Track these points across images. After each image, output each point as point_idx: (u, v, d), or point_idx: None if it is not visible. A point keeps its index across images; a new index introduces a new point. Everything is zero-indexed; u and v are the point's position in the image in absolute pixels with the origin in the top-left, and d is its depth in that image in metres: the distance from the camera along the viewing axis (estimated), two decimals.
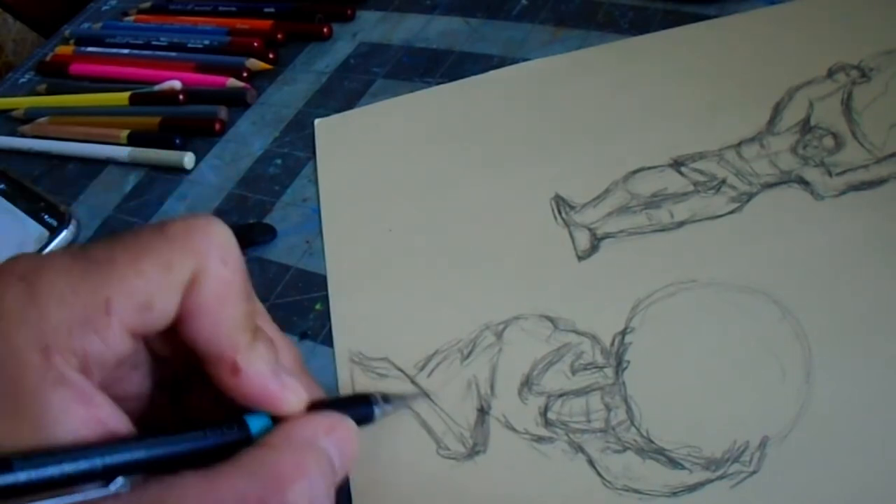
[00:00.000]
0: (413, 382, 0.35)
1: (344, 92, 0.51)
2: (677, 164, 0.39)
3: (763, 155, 0.38)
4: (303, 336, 0.38)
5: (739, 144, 0.39)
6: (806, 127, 0.39)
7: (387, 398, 0.30)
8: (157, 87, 0.54)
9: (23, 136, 0.55)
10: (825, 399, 0.30)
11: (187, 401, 0.28)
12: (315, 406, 0.26)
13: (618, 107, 0.43)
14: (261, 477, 0.23)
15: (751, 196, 0.37)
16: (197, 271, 0.23)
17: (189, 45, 0.58)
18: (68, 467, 0.21)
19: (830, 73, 0.40)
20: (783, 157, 0.38)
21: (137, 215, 0.48)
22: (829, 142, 0.38)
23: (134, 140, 0.51)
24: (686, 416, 0.31)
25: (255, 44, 0.55)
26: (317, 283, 0.41)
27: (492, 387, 0.34)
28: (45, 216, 0.47)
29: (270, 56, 0.55)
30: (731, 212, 0.37)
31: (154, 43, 0.59)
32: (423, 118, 0.47)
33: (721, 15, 0.46)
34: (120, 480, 0.22)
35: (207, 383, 0.25)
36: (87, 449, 0.21)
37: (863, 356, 0.31)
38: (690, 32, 0.45)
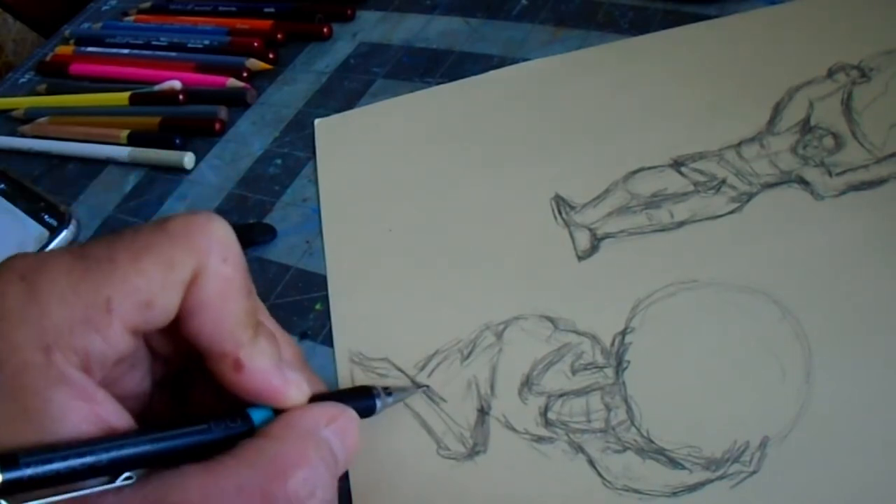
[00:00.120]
0: (413, 382, 0.35)
1: (344, 92, 0.51)
2: (677, 164, 0.39)
3: (763, 155, 0.38)
4: (303, 336, 0.38)
5: (739, 144, 0.39)
6: (806, 127, 0.39)
7: (388, 391, 0.31)
8: (157, 87, 0.54)
9: (23, 136, 0.55)
10: (825, 399, 0.30)
11: (189, 397, 0.28)
12: (317, 399, 0.26)
13: (618, 107, 0.43)
14: (261, 467, 0.23)
15: (751, 196, 0.37)
16: (198, 269, 0.24)
17: (189, 45, 0.58)
18: (73, 462, 0.21)
19: (830, 73, 0.40)
20: (783, 157, 0.38)
21: (137, 215, 0.48)
22: (829, 142, 0.38)
23: (134, 140, 0.51)
24: (686, 416, 0.31)
25: (255, 44, 0.55)
26: (317, 283, 0.41)
27: (492, 387, 0.34)
28: (45, 216, 0.47)
29: (270, 56, 0.55)
30: (731, 212, 0.37)
31: (154, 43, 0.59)
32: (423, 118, 0.47)
33: (721, 15, 0.46)
34: (125, 474, 0.22)
35: (209, 380, 0.25)
36: (91, 444, 0.21)
37: (863, 356, 0.31)
38: (690, 32, 0.45)
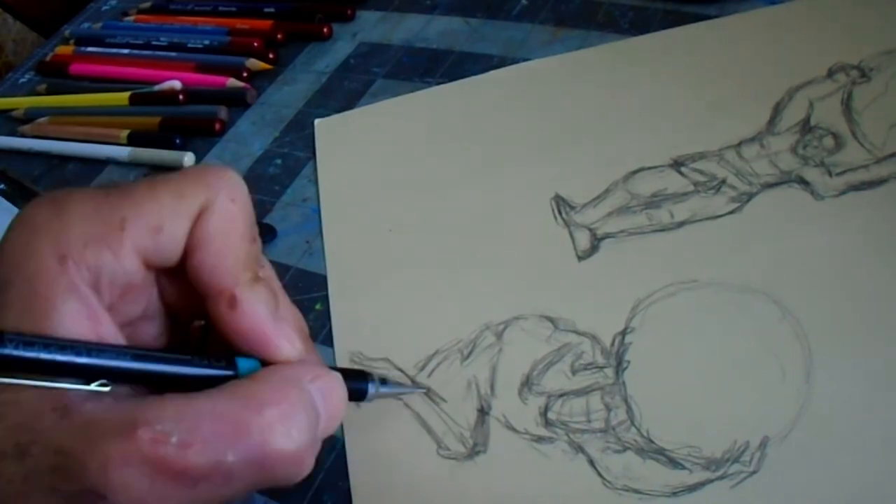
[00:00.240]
0: (413, 383, 0.35)
1: (344, 92, 0.51)
2: (677, 164, 0.39)
3: (763, 155, 0.38)
4: None
5: (739, 144, 0.39)
6: (806, 127, 0.39)
7: (385, 380, 0.31)
8: (157, 87, 0.54)
9: (23, 136, 0.55)
10: (825, 399, 0.30)
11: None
12: None
13: (618, 107, 0.43)
14: (240, 398, 0.23)
15: (751, 196, 0.37)
16: (206, 203, 0.25)
17: (189, 45, 0.58)
18: (55, 355, 0.22)
19: (830, 73, 0.40)
20: (783, 157, 0.38)
21: None
22: (829, 142, 0.38)
23: (134, 140, 0.51)
24: (686, 416, 0.31)
25: (255, 44, 0.55)
26: (317, 283, 0.41)
27: (492, 387, 0.34)
28: None
29: (270, 56, 0.55)
30: (731, 212, 0.37)
31: (154, 43, 0.59)
32: (423, 118, 0.47)
33: (721, 15, 0.46)
34: (100, 381, 0.22)
35: (218, 341, 0.26)
36: (76, 345, 0.22)
37: (863, 356, 0.31)
38: (690, 32, 0.45)
